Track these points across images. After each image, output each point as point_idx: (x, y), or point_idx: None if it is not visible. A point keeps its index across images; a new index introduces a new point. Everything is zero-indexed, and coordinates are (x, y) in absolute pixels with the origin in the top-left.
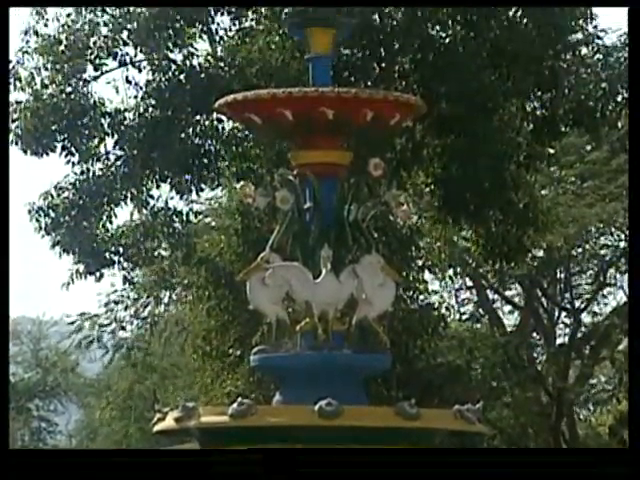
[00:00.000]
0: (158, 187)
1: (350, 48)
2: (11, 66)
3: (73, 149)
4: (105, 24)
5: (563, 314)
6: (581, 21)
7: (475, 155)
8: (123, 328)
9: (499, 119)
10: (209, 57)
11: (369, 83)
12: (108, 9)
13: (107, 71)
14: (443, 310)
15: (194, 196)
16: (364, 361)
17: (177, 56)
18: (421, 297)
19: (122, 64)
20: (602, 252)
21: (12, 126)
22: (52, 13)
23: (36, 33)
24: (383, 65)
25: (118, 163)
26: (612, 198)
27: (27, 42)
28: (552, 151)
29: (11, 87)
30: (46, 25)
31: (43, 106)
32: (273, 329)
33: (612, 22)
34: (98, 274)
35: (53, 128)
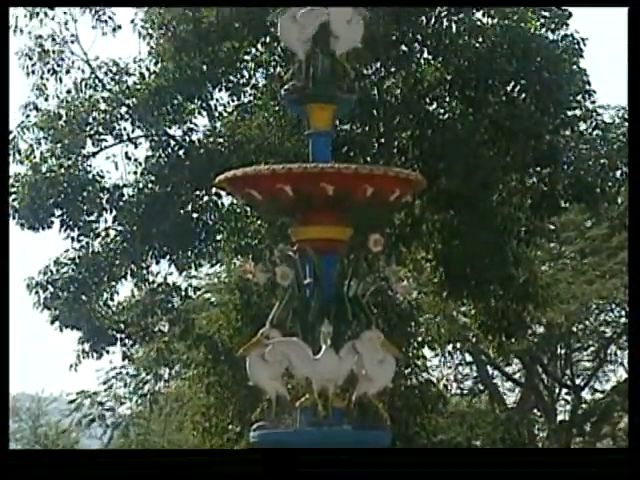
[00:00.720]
0: (157, 263)
1: (349, 124)
2: (10, 137)
3: (71, 224)
4: (104, 100)
5: (564, 391)
6: (580, 97)
7: (475, 230)
8: (122, 405)
9: (499, 194)
10: (208, 133)
11: (368, 158)
12: (107, 85)
13: (106, 147)
14: (442, 386)
15: (193, 272)
16: (364, 438)
17: (176, 132)
18: (421, 373)
19: (121, 140)
20: (602, 329)
21: (10, 199)
22: (52, 89)
23: (36, 108)
24: (382, 141)
25: (117, 239)
26: (612, 275)
27: (27, 116)
28: (552, 227)
29: (10, 159)
30: (46, 100)
31: (42, 180)
32: (273, 405)
33: (611, 98)
34: (100, 351)
35: (51, 202)
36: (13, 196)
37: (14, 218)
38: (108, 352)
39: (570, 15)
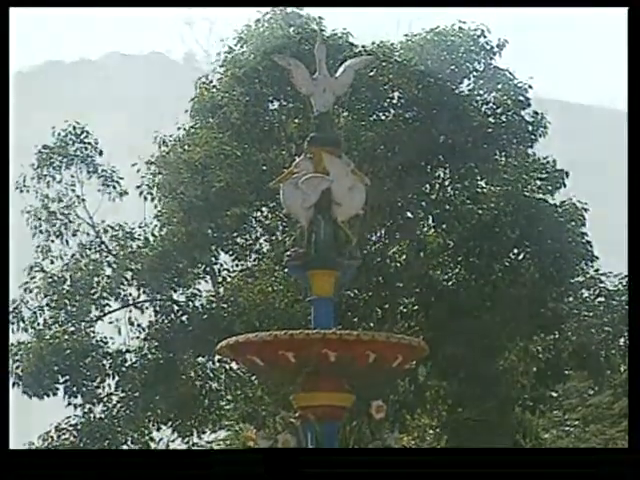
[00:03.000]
0: (159, 430)
1: (353, 289)
2: (15, 306)
3: (75, 390)
4: (109, 264)
5: None
6: (582, 264)
7: (480, 398)
8: None
9: (503, 361)
10: (212, 298)
11: (372, 324)
12: (113, 250)
13: (110, 311)
14: None
15: (195, 438)
16: None
17: (180, 297)
18: None
19: (126, 304)
20: None
21: (13, 367)
22: (56, 251)
23: (42, 270)
24: (386, 307)
25: (119, 405)
26: (614, 443)
27: (32, 278)
28: (554, 394)
29: (14, 327)
30: (52, 262)
31: (45, 346)
32: None
33: (612, 267)
34: None
35: (55, 369)
36: (17, 364)
37: (18, 386)
38: None
39: (567, 174)
